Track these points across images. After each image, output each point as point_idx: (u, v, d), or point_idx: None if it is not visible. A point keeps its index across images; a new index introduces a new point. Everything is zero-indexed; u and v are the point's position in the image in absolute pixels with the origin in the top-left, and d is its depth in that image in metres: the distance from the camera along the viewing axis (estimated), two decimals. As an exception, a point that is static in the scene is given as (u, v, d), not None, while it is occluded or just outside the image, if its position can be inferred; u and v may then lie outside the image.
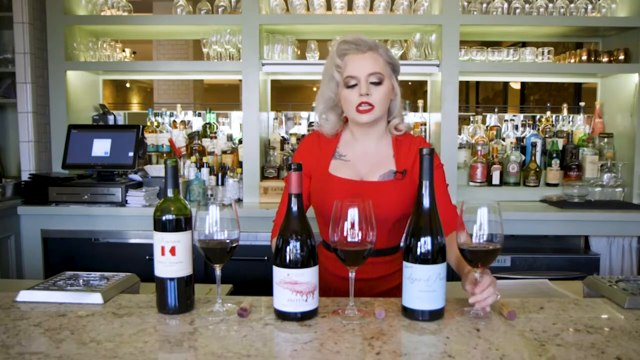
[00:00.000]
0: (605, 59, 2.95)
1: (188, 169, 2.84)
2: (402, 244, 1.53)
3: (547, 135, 3.14)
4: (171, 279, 1.11)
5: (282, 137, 3.12)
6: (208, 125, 3.23)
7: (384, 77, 1.43)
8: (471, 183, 2.95)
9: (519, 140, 3.07)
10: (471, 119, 3.26)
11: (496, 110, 3.42)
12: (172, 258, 1.10)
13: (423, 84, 5.82)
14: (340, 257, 1.09)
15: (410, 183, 1.45)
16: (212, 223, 1.10)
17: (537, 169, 2.92)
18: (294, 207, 1.09)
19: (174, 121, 3.22)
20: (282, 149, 3.06)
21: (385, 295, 1.48)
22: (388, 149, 1.51)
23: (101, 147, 2.72)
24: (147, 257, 2.45)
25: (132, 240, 2.58)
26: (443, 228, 1.10)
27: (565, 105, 3.29)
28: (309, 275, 1.05)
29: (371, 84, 1.41)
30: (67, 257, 2.60)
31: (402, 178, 1.45)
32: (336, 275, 1.45)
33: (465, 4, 2.88)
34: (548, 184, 2.94)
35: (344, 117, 1.54)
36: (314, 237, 1.09)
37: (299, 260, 1.05)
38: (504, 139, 3.15)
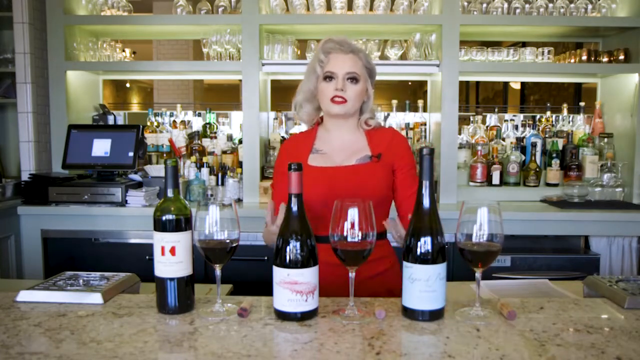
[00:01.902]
0: (605, 59, 2.95)
1: (188, 169, 2.84)
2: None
3: (547, 135, 3.14)
4: (171, 279, 1.11)
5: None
6: (208, 125, 3.23)
7: (360, 78, 1.55)
8: (471, 183, 2.95)
9: (519, 140, 3.07)
10: (471, 119, 3.26)
11: (496, 110, 3.42)
12: (172, 258, 1.10)
13: (423, 84, 5.82)
14: (340, 257, 1.09)
15: (385, 167, 1.56)
16: (212, 223, 1.10)
17: (537, 169, 2.92)
18: (294, 207, 1.09)
19: (174, 121, 3.22)
20: (282, 149, 3.05)
21: (368, 281, 1.48)
22: (362, 140, 1.62)
23: (101, 147, 2.73)
24: (147, 257, 2.45)
25: (132, 240, 2.58)
26: (403, 209, 1.36)
27: (565, 105, 3.29)
28: (309, 275, 1.05)
29: (348, 81, 1.53)
30: (67, 257, 2.60)
31: (378, 161, 1.56)
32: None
33: (465, 4, 2.88)
34: (548, 184, 2.94)
35: (320, 115, 1.65)
36: (314, 237, 1.09)
37: (299, 260, 1.05)
38: (504, 139, 3.15)
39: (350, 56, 1.54)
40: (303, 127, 3.30)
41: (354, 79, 1.53)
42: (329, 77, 1.54)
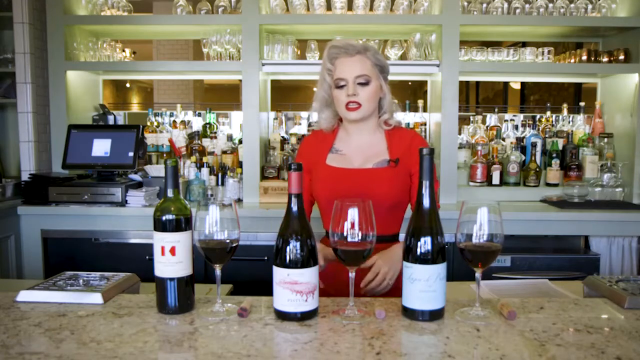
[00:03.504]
0: (605, 59, 2.95)
1: (188, 169, 2.84)
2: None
3: (547, 135, 3.14)
4: (171, 279, 1.11)
5: (282, 137, 3.12)
6: (208, 125, 3.23)
7: (371, 79, 1.53)
8: (471, 183, 2.95)
9: (519, 140, 3.07)
10: (471, 119, 3.26)
11: (496, 110, 3.42)
12: (172, 258, 1.10)
13: (423, 84, 5.82)
14: (340, 257, 1.09)
15: (403, 171, 1.55)
16: (212, 223, 1.10)
17: (537, 169, 2.92)
18: (294, 207, 1.09)
19: (174, 121, 3.22)
20: (282, 149, 3.06)
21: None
22: (381, 141, 1.61)
23: (101, 147, 2.72)
24: (147, 257, 2.45)
25: (132, 240, 2.58)
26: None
27: (565, 105, 3.29)
28: (309, 275, 1.05)
29: (358, 85, 1.52)
30: (67, 257, 2.60)
31: (395, 166, 1.55)
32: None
33: (465, 4, 2.88)
34: (548, 184, 2.94)
35: (339, 115, 1.63)
36: (314, 237, 1.09)
37: (299, 260, 1.05)
38: (504, 139, 3.15)
39: (357, 58, 1.52)
40: (303, 127, 3.32)
41: (365, 82, 1.52)
42: (340, 84, 1.53)
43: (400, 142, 1.59)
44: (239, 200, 2.80)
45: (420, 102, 3.13)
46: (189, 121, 3.25)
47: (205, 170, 2.83)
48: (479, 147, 2.95)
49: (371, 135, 1.61)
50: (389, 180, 1.53)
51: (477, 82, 8.27)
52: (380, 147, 1.59)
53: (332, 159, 1.59)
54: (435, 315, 1.06)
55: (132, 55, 4.15)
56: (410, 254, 1.06)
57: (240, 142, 3.03)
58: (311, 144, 1.66)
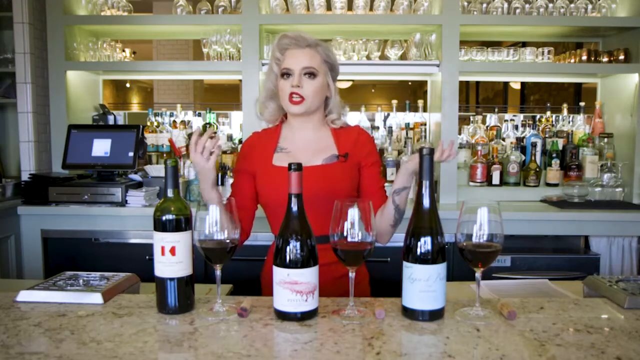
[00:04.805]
0: (605, 59, 2.95)
1: (188, 169, 2.84)
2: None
3: (547, 135, 3.14)
4: (171, 279, 1.11)
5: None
6: (208, 125, 3.23)
7: (318, 73, 1.50)
8: (471, 183, 2.95)
9: (519, 140, 3.07)
10: (471, 119, 3.26)
11: (496, 110, 3.42)
12: (172, 258, 1.11)
13: (423, 84, 5.82)
14: (340, 257, 1.09)
15: (352, 167, 1.52)
16: (212, 223, 1.10)
17: (537, 169, 2.92)
18: (294, 207, 1.09)
19: (174, 121, 3.22)
20: (282, 149, 3.05)
21: (336, 281, 1.43)
22: (328, 137, 1.57)
23: (101, 147, 2.72)
24: (147, 257, 2.45)
25: (132, 240, 2.58)
26: (375, 206, 1.19)
27: (565, 105, 3.29)
28: (309, 275, 1.05)
29: (305, 77, 1.48)
30: (67, 257, 2.60)
31: (345, 160, 1.52)
32: None
33: (465, 4, 2.88)
34: (548, 184, 2.94)
35: (284, 113, 1.59)
36: (314, 237, 1.09)
37: (299, 260, 1.05)
38: (504, 139, 3.15)
39: (307, 50, 1.49)
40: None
41: (311, 74, 1.48)
42: (286, 74, 1.49)
43: (347, 138, 1.56)
44: (239, 200, 2.80)
45: (420, 102, 3.13)
46: (189, 121, 3.25)
47: (205, 170, 2.82)
48: (479, 147, 2.95)
49: (317, 131, 1.57)
50: (340, 176, 1.50)
51: (477, 82, 8.26)
52: (327, 143, 1.56)
53: (279, 159, 1.53)
54: (435, 315, 1.06)
55: (132, 55, 4.15)
56: (410, 254, 1.06)
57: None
58: (253, 146, 1.59)
